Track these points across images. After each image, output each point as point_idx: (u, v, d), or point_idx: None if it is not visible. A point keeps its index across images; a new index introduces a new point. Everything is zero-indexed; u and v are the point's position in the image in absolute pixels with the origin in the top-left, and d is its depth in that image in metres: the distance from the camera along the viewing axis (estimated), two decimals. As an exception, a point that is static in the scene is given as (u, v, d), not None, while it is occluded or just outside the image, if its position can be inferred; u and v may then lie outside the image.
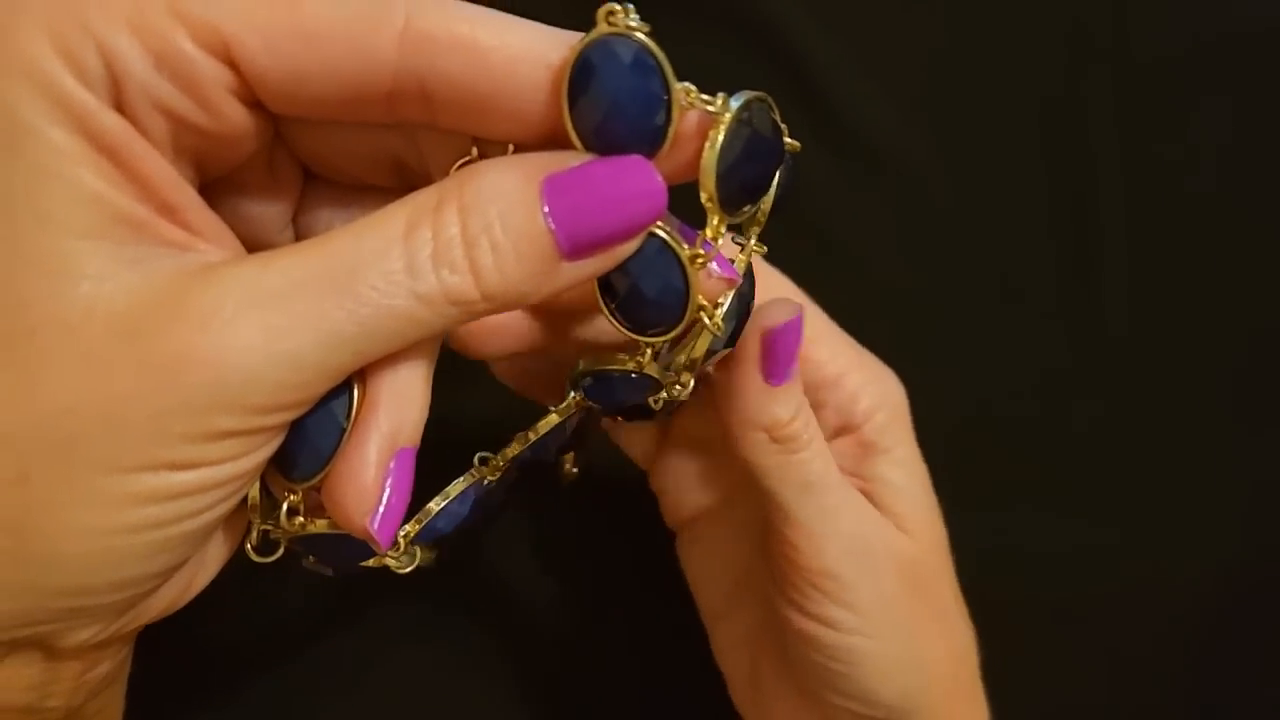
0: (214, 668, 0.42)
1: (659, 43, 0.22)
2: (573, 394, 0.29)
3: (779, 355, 0.29)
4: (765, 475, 0.31)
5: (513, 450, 0.30)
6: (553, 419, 0.30)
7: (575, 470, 0.35)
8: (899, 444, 0.34)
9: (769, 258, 0.30)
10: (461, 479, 0.29)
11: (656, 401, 0.28)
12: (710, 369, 0.31)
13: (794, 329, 0.29)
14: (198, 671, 0.42)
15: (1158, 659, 0.45)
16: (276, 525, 0.26)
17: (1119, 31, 0.44)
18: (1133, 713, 0.45)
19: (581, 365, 0.27)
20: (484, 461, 0.30)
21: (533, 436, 0.30)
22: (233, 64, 0.21)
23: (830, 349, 0.34)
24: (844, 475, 0.33)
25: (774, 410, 0.30)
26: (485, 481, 0.29)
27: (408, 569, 0.28)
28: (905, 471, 0.34)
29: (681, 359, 0.27)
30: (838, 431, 0.34)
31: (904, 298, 0.45)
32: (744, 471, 0.32)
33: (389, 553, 0.27)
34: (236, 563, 0.27)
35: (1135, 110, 0.45)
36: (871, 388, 0.34)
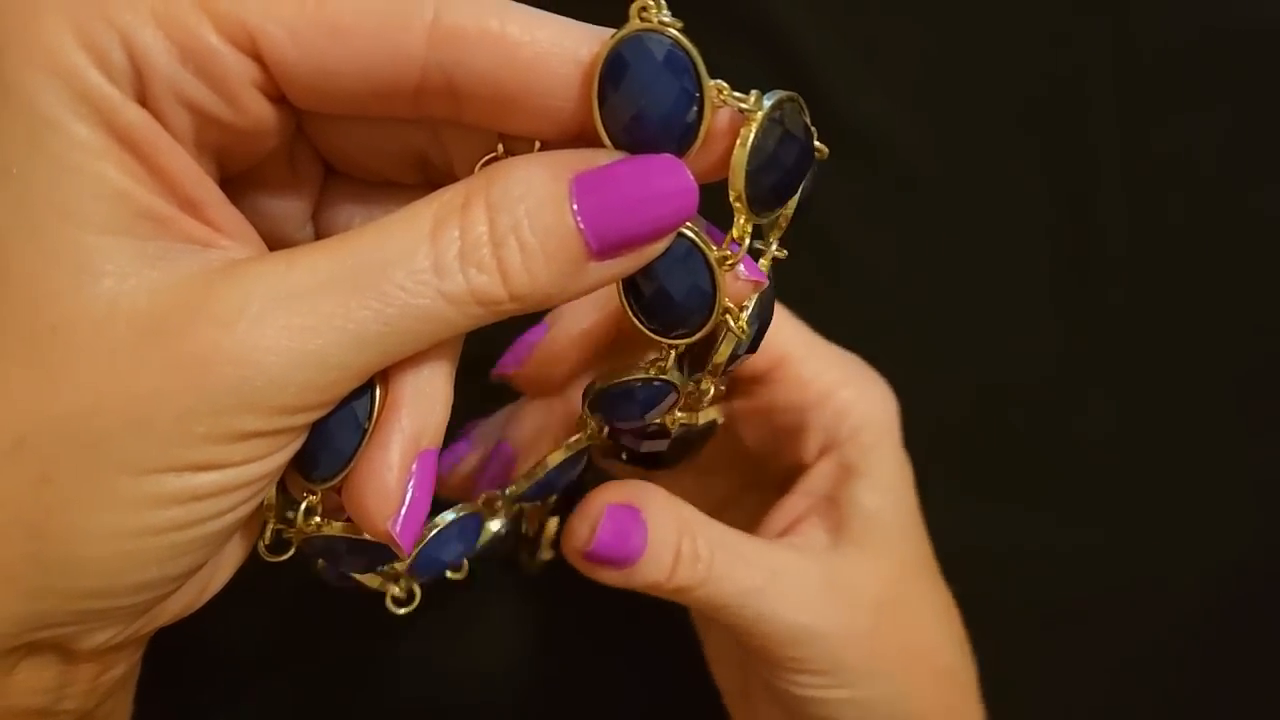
0: (219, 667, 0.42)
1: (692, 40, 0.21)
2: (587, 428, 0.29)
3: (607, 561, 0.30)
4: (684, 603, 0.31)
5: (518, 488, 0.30)
6: (559, 454, 0.29)
7: (544, 559, 0.34)
8: (880, 463, 0.34)
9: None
10: (459, 507, 0.29)
11: (673, 422, 0.28)
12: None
13: (605, 536, 0.29)
14: (203, 672, 0.41)
15: (1157, 660, 0.45)
16: (291, 525, 0.25)
17: (1120, 28, 0.44)
18: (1131, 714, 0.45)
19: (598, 384, 0.27)
20: (488, 501, 0.30)
21: (539, 473, 0.30)
22: (258, 58, 0.21)
23: (815, 367, 0.33)
24: (817, 501, 0.33)
25: (641, 581, 0.30)
26: (485, 518, 0.29)
27: (406, 610, 0.28)
28: (882, 494, 0.33)
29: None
30: (823, 450, 0.34)
31: (901, 296, 0.45)
32: (731, 486, 0.32)
33: (389, 570, 0.27)
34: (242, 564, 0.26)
35: (1136, 107, 0.44)
36: (859, 404, 0.34)
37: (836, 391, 0.33)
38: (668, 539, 0.30)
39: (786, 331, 0.33)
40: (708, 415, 0.31)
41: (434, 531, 0.28)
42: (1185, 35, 0.44)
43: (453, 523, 0.29)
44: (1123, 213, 0.45)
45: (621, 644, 0.45)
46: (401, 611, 0.28)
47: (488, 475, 0.33)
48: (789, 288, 0.29)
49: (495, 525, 0.30)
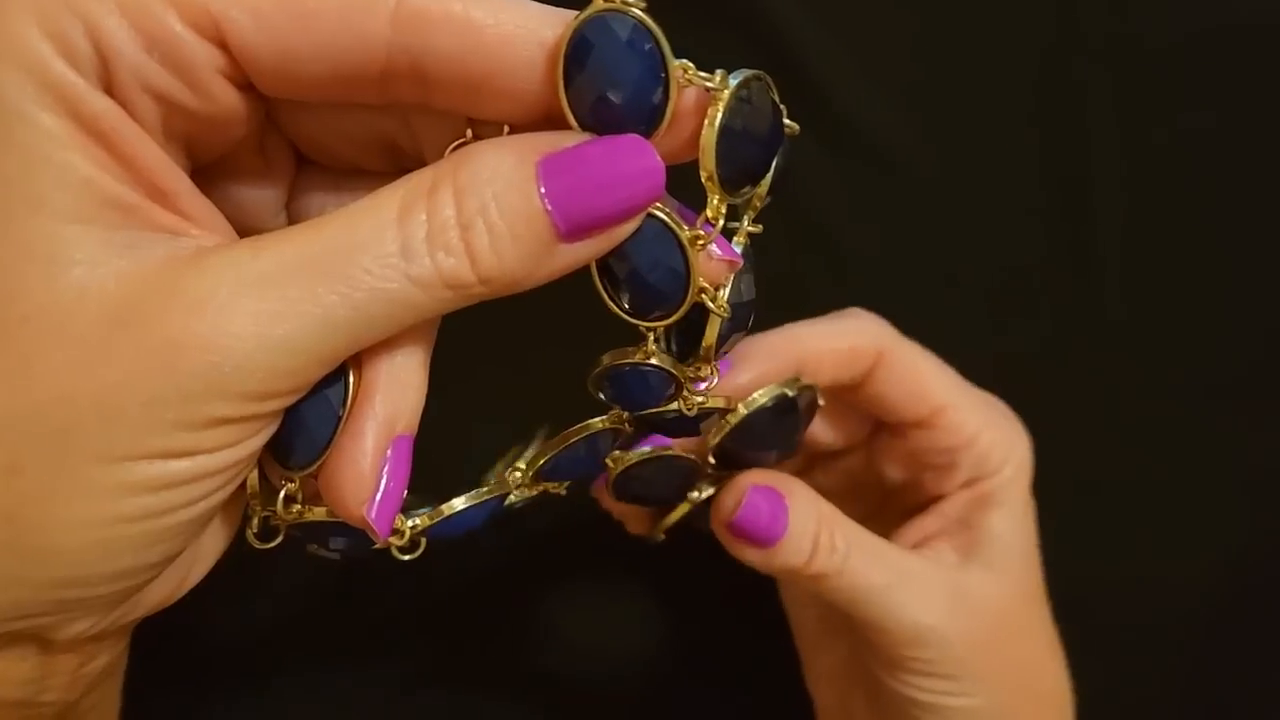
0: (208, 661, 0.42)
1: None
2: (609, 412, 0.29)
3: (752, 536, 0.32)
4: (816, 593, 0.33)
5: (540, 459, 0.29)
6: (591, 424, 0.29)
7: (662, 536, 0.35)
8: (1013, 499, 0.35)
9: (764, 242, 0.29)
10: (486, 489, 0.29)
11: (689, 405, 0.28)
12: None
13: (750, 512, 0.32)
14: (192, 665, 0.41)
15: (1157, 655, 0.45)
16: (275, 513, 0.25)
17: (1117, 21, 0.44)
18: (1132, 708, 0.45)
19: (599, 368, 0.27)
20: (510, 474, 0.30)
21: (561, 446, 0.29)
22: (223, 44, 0.21)
23: (966, 412, 0.35)
24: (949, 523, 0.35)
25: (781, 562, 0.32)
26: (499, 498, 0.29)
27: (413, 555, 0.28)
28: (1011, 522, 0.35)
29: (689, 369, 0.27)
30: (966, 484, 0.36)
31: (899, 291, 0.45)
32: (857, 514, 0.34)
33: (393, 541, 0.27)
34: (229, 555, 0.26)
35: (1133, 100, 0.44)
36: (1001, 446, 0.35)
37: (983, 433, 0.35)
38: (808, 526, 0.32)
39: (942, 381, 0.35)
40: (784, 387, 0.32)
41: (461, 507, 0.28)
42: (1184, 25, 0.44)
43: (475, 506, 0.28)
44: (1119, 208, 0.45)
45: (633, 644, 0.45)
46: (406, 558, 0.28)
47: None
48: (783, 283, 0.29)
49: (513, 498, 0.30)
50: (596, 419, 0.29)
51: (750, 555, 0.32)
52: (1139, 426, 0.45)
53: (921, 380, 0.35)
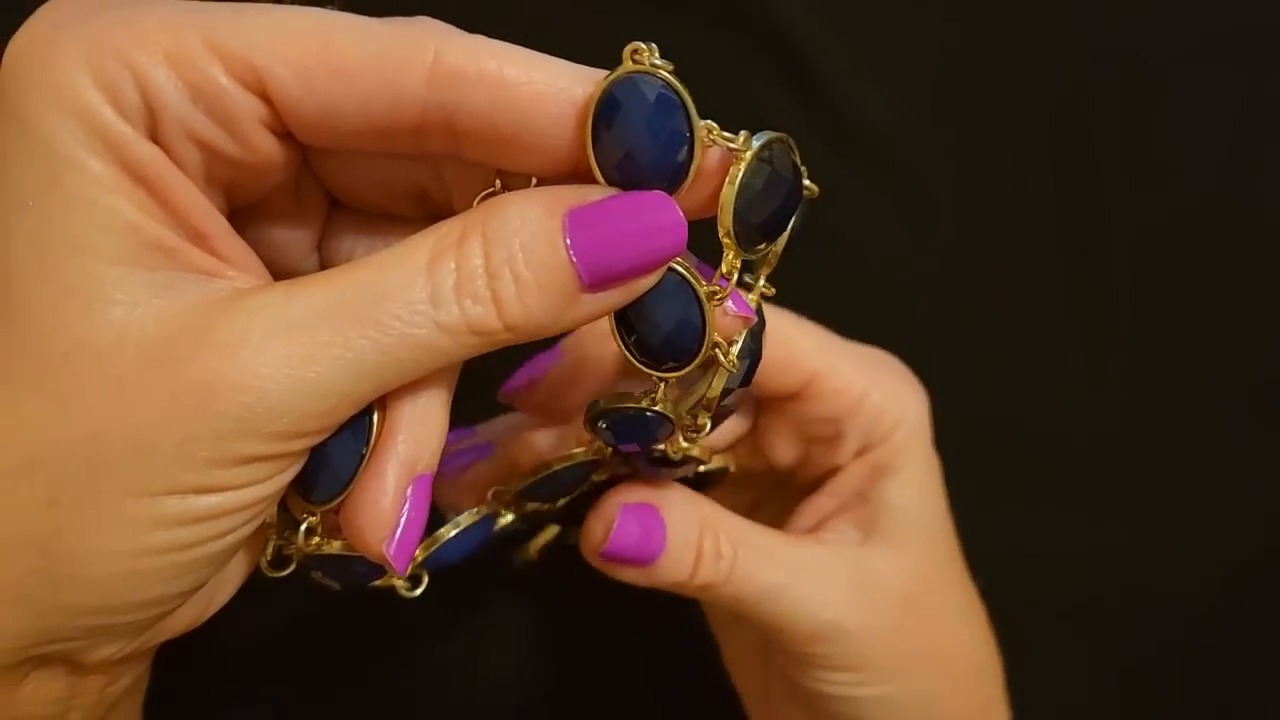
0: (231, 672, 0.43)
1: (680, 78, 0.22)
2: (594, 442, 0.29)
3: (624, 560, 0.30)
4: (709, 601, 0.32)
5: (519, 486, 0.30)
6: (576, 454, 0.30)
7: (535, 557, 0.35)
8: (911, 461, 0.34)
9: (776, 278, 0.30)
10: (474, 510, 0.30)
11: (676, 451, 0.28)
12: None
13: (621, 536, 0.30)
14: (215, 676, 0.42)
15: (1168, 661, 0.45)
16: (292, 543, 0.26)
17: (1124, 32, 0.44)
18: (1143, 715, 0.45)
19: (599, 404, 0.27)
20: (496, 495, 0.31)
21: (539, 474, 0.30)
22: (265, 96, 0.21)
23: (847, 376, 0.33)
24: (847, 498, 0.34)
25: (663, 580, 0.31)
26: (498, 514, 0.30)
27: (415, 592, 0.28)
28: (911, 489, 0.34)
29: (692, 400, 0.27)
30: (859, 453, 0.34)
31: (910, 299, 0.45)
32: (759, 491, 0.32)
33: (391, 579, 0.28)
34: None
35: (1141, 110, 0.45)
36: (892, 404, 0.34)
37: (869, 395, 0.33)
38: (688, 537, 0.31)
39: (813, 345, 0.33)
40: (716, 462, 0.32)
41: (453, 533, 0.29)
42: (1190, 38, 0.45)
43: (467, 529, 0.29)
44: (1131, 214, 0.45)
45: (634, 645, 0.45)
46: (411, 594, 0.28)
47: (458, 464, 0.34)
48: (795, 290, 0.30)
49: (505, 520, 0.31)
50: (579, 449, 0.30)
51: (629, 576, 0.31)
52: (1149, 434, 0.46)
53: (788, 347, 0.33)
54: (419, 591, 0.28)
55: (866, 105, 0.44)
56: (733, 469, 0.33)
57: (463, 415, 0.25)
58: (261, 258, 0.24)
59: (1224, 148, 0.45)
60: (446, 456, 0.30)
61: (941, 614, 0.34)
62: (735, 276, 0.24)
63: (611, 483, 0.32)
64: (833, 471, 0.35)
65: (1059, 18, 0.44)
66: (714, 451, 0.32)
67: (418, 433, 0.24)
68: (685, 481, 0.32)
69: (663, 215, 0.23)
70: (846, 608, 0.32)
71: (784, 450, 0.36)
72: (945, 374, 0.40)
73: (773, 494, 0.38)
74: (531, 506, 0.32)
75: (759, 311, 0.26)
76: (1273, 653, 0.46)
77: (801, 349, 0.33)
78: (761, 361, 0.27)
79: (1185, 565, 0.45)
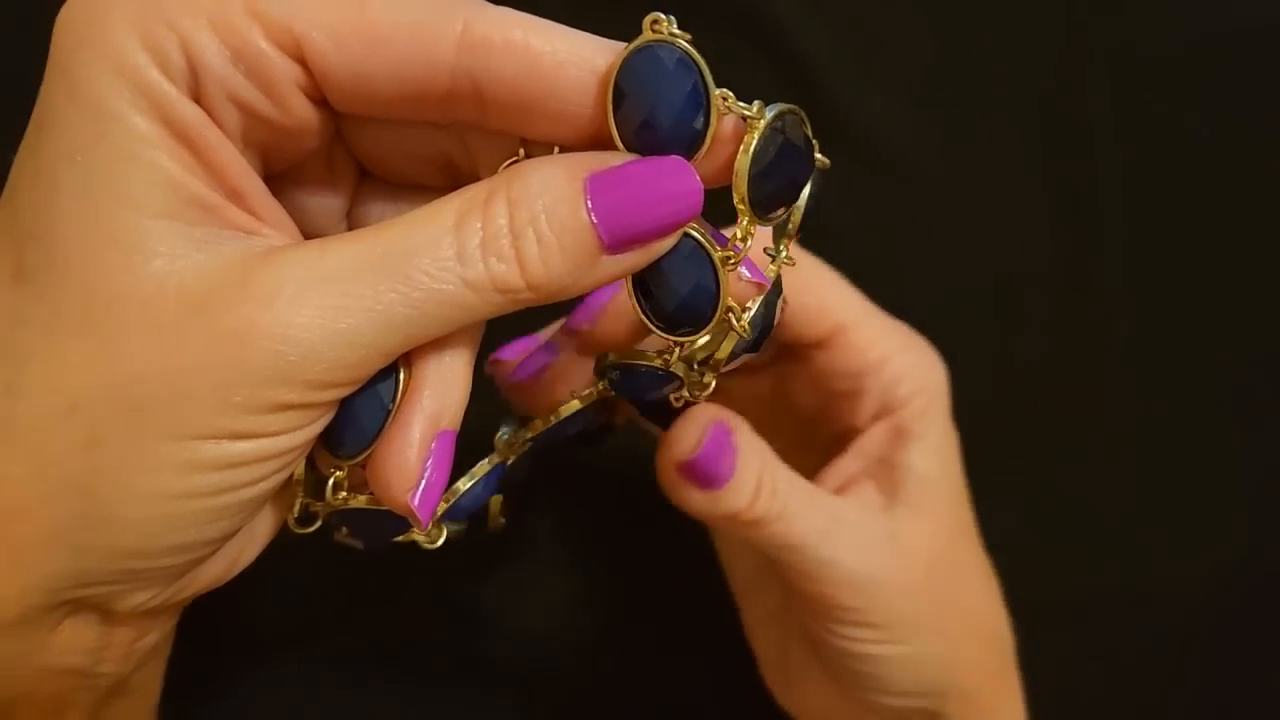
0: (254, 643, 0.43)
1: (699, 50, 0.23)
2: (598, 384, 0.30)
3: (700, 477, 0.31)
4: (752, 542, 0.32)
5: (533, 430, 0.31)
6: (575, 404, 0.31)
7: (503, 520, 0.35)
8: (932, 428, 0.35)
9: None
10: (486, 461, 0.30)
11: (678, 399, 0.29)
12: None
13: (706, 455, 0.31)
14: (238, 647, 0.43)
15: (1158, 659, 0.46)
16: (318, 499, 0.27)
17: (1117, 27, 0.45)
18: (1132, 713, 0.45)
19: (611, 357, 0.28)
20: (510, 444, 0.31)
21: (554, 419, 0.31)
22: (303, 61, 0.22)
23: (872, 333, 0.34)
24: (869, 463, 0.34)
25: (726, 507, 0.31)
26: (507, 462, 0.30)
27: (437, 544, 0.29)
28: (933, 457, 0.35)
29: (700, 356, 0.28)
30: (877, 415, 0.35)
31: (903, 293, 0.45)
32: (779, 448, 0.32)
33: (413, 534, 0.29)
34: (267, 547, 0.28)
35: (1134, 107, 0.45)
36: (914, 371, 0.35)
37: (892, 358, 0.34)
38: (753, 466, 0.31)
39: (844, 298, 0.34)
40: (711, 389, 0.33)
41: (469, 484, 0.30)
42: (1185, 31, 0.45)
43: (480, 479, 0.30)
44: (1122, 210, 0.46)
45: (646, 633, 0.45)
46: (431, 548, 0.29)
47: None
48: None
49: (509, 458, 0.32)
50: (585, 392, 0.30)
51: (693, 498, 0.31)
52: (1141, 432, 0.46)
53: (820, 294, 0.33)
54: (439, 544, 0.29)
55: (862, 102, 0.44)
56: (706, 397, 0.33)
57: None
58: (294, 223, 0.25)
59: (1222, 145, 0.46)
60: (522, 363, 0.31)
61: (964, 580, 0.35)
62: (749, 242, 0.25)
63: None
64: (850, 434, 0.36)
65: (1055, 13, 0.45)
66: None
67: (442, 390, 0.25)
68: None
69: (680, 180, 0.24)
70: (881, 561, 0.32)
71: (803, 397, 0.37)
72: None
73: (790, 456, 0.38)
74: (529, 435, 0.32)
75: (777, 284, 0.27)
76: (1270, 649, 0.46)
77: (833, 299, 0.34)
78: (791, 306, 0.27)
79: (1183, 563, 0.46)
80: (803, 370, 0.36)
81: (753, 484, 0.31)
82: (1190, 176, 0.46)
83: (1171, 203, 0.46)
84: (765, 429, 0.36)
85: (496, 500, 0.34)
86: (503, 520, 0.35)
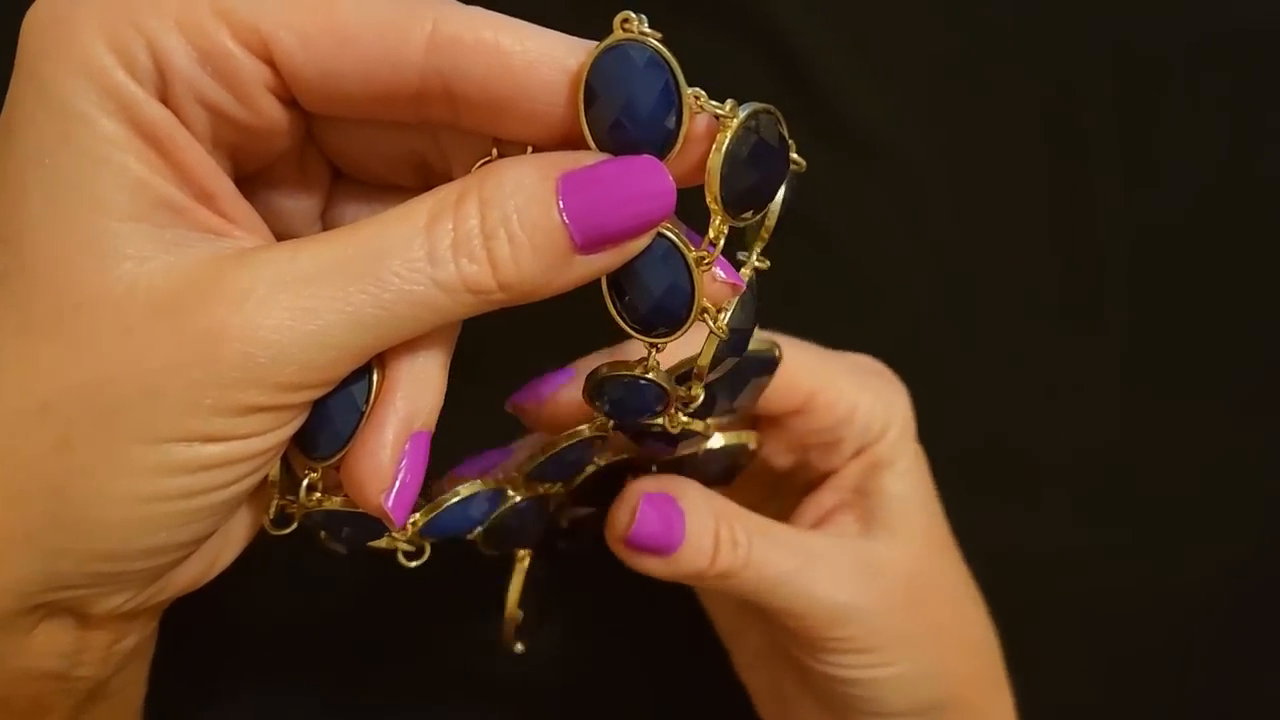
0: (243, 644, 0.43)
1: (670, 49, 0.23)
2: (595, 417, 0.30)
3: (648, 549, 0.32)
4: (726, 592, 0.33)
5: (530, 466, 0.31)
6: (581, 430, 0.30)
7: (520, 647, 0.35)
8: (902, 455, 0.35)
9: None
10: (474, 481, 0.30)
11: (674, 425, 0.29)
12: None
13: (645, 524, 0.31)
14: (227, 648, 0.43)
15: (1163, 661, 0.46)
16: (294, 501, 0.27)
17: (1118, 27, 0.45)
18: (1137, 714, 0.45)
19: (597, 372, 0.28)
20: (505, 477, 0.31)
21: (552, 450, 0.31)
22: (271, 62, 0.22)
23: (838, 389, 0.35)
24: (846, 494, 0.35)
25: (686, 569, 0.32)
26: (504, 492, 0.30)
27: (416, 563, 0.29)
28: (906, 479, 0.35)
29: (683, 368, 0.28)
30: (856, 453, 0.35)
31: (904, 298, 0.46)
32: (754, 497, 0.33)
33: (396, 535, 0.28)
34: (251, 548, 0.28)
35: (1136, 108, 0.45)
36: (882, 409, 0.35)
37: (859, 404, 0.35)
38: (706, 525, 0.32)
39: (808, 364, 0.35)
40: (741, 438, 0.33)
41: (452, 500, 0.30)
42: (1186, 34, 0.45)
43: (466, 499, 0.30)
44: (1125, 213, 0.46)
45: (633, 657, 0.46)
46: (413, 564, 0.29)
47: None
48: (788, 284, 0.30)
49: (513, 499, 0.32)
50: (583, 426, 0.30)
51: (651, 566, 0.32)
52: (1145, 434, 0.46)
53: (787, 369, 0.33)
54: (419, 563, 0.29)
55: (861, 103, 0.44)
56: (753, 446, 0.34)
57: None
58: (267, 225, 0.25)
59: (1221, 145, 0.46)
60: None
61: (945, 594, 0.35)
62: (721, 242, 0.25)
63: (613, 476, 0.33)
64: (830, 474, 0.36)
65: (1054, 14, 0.45)
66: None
67: (416, 391, 0.24)
68: (716, 466, 0.33)
69: (653, 179, 0.23)
70: (857, 589, 0.33)
71: (781, 458, 0.37)
72: (940, 371, 0.41)
73: (769, 499, 0.39)
74: (543, 488, 0.32)
75: (752, 285, 0.27)
76: (1272, 650, 0.46)
77: (800, 369, 0.34)
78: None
79: (1184, 564, 0.46)
80: (776, 433, 0.36)
81: (709, 542, 0.32)
82: (1190, 177, 0.46)
83: (1171, 203, 0.46)
84: (739, 486, 0.36)
85: (514, 613, 0.35)
86: (520, 647, 0.35)
